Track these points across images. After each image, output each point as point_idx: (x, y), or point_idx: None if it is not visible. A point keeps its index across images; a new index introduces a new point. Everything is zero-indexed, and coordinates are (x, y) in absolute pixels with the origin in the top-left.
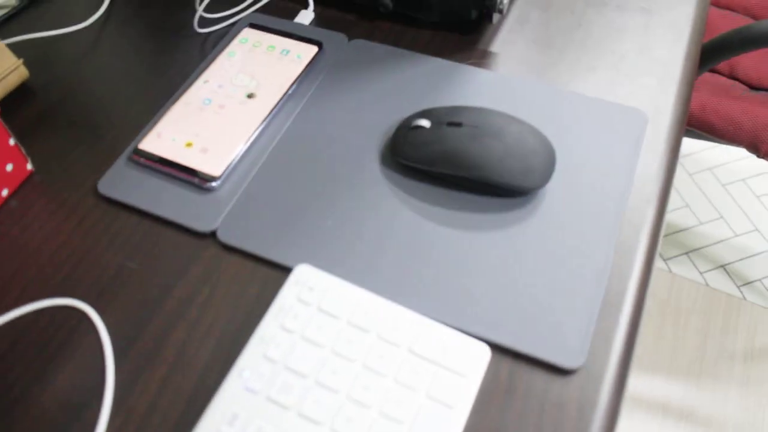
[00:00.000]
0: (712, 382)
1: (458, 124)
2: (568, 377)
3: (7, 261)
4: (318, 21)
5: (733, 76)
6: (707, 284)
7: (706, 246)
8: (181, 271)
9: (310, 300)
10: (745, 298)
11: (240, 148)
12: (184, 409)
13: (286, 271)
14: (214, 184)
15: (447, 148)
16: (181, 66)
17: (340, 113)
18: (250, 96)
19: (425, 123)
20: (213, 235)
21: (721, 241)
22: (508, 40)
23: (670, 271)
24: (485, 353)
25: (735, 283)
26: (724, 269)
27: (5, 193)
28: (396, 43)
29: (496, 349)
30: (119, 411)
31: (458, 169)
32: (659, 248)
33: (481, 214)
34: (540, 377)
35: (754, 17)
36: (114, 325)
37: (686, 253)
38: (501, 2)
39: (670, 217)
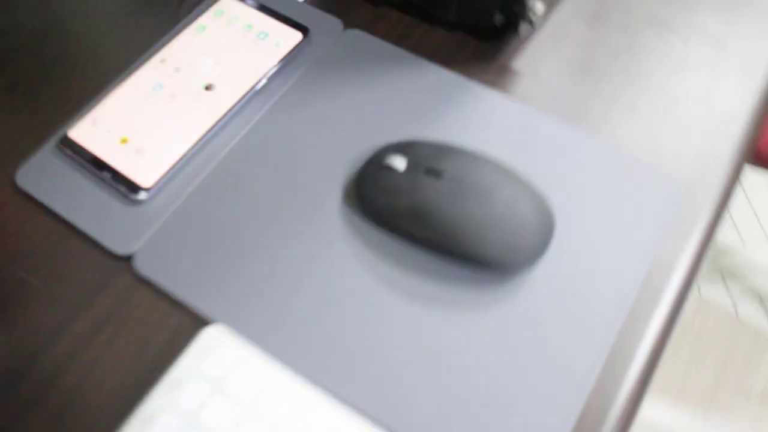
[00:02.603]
0: (722, 416)
1: (438, 174)
2: None
3: None
4: None
5: None
6: (737, 315)
7: (746, 271)
8: (87, 301)
9: (212, 375)
10: None
11: (181, 154)
12: None
13: (202, 321)
14: (141, 196)
15: (417, 203)
16: (150, 31)
17: (311, 125)
18: (207, 88)
19: (399, 164)
20: (130, 258)
21: (765, 269)
22: (536, 59)
23: (699, 294)
24: None
25: None
26: (761, 301)
27: None
28: (400, 40)
29: None
30: None
31: (426, 231)
32: (663, 355)
33: (448, 289)
34: None
35: None
36: None
37: (721, 277)
38: (533, 12)
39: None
